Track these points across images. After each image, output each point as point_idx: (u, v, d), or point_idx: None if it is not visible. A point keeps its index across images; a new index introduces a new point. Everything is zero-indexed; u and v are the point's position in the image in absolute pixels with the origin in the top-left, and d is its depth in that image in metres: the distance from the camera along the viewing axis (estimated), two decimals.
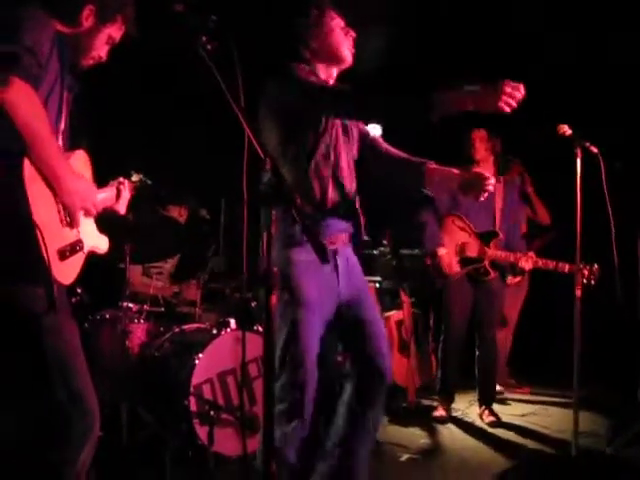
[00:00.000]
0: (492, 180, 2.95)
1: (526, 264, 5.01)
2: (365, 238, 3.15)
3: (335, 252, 2.98)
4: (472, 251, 5.11)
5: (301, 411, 2.85)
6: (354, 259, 3.12)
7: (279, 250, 2.88)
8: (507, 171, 5.65)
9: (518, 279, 5.90)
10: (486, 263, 5.05)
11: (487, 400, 5.17)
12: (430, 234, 5.14)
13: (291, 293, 2.86)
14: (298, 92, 2.83)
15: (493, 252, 5.05)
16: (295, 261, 2.87)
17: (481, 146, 5.15)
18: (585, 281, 4.54)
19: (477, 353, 5.24)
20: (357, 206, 3.05)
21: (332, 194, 2.92)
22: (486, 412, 5.11)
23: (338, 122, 2.97)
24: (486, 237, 5.10)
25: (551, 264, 4.96)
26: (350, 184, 3.01)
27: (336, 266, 2.98)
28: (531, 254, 5.07)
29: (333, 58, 3.00)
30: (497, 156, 5.19)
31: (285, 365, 2.85)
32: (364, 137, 3.17)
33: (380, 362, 3.02)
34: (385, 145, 3.19)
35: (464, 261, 5.12)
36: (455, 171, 3.04)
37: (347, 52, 3.01)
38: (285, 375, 2.85)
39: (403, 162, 3.15)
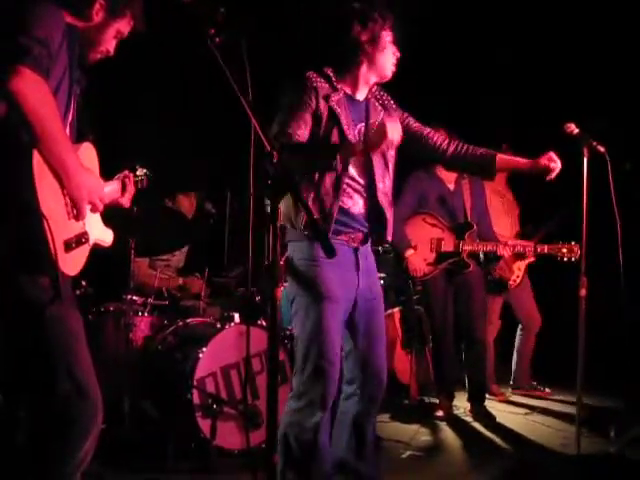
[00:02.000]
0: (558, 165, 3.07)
1: (504, 251, 5.06)
2: (389, 238, 3.18)
3: (356, 250, 3.02)
4: (448, 246, 5.11)
5: (324, 404, 2.88)
6: (373, 261, 3.16)
7: (301, 246, 2.91)
8: None
9: (519, 280, 5.85)
10: (464, 256, 5.06)
11: (475, 397, 5.18)
12: (399, 237, 5.12)
13: (314, 289, 2.89)
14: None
15: (469, 244, 5.06)
16: (318, 257, 2.88)
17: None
18: (566, 259, 4.58)
19: (464, 354, 5.24)
20: (383, 208, 3.09)
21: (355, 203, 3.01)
22: (475, 409, 5.13)
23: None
24: (460, 230, 5.10)
25: (529, 246, 4.99)
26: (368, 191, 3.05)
27: (357, 265, 3.01)
28: (509, 241, 5.11)
29: (379, 70, 3.04)
30: None
31: (308, 361, 2.87)
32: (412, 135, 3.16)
33: (382, 373, 3.09)
34: (440, 138, 3.22)
35: (441, 256, 5.11)
36: (521, 160, 3.18)
37: (391, 70, 3.07)
38: (308, 370, 2.87)
39: (471, 157, 3.19)
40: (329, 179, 2.91)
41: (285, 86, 2.98)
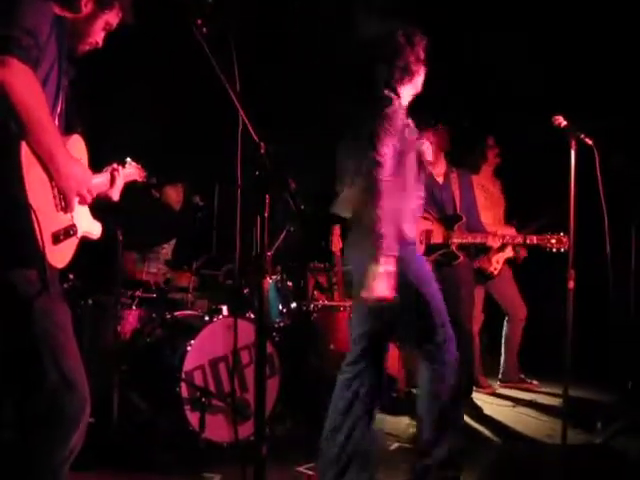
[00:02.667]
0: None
1: (494, 242, 5.08)
2: None
3: None
4: (437, 237, 5.11)
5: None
6: None
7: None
8: (484, 157, 5.78)
9: (496, 272, 5.86)
10: (453, 248, 5.07)
11: (463, 389, 5.20)
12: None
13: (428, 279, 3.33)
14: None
15: (459, 235, 5.07)
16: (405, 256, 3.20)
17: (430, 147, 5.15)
18: (555, 250, 4.62)
19: None
20: None
21: None
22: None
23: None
24: (449, 221, 5.11)
25: (519, 237, 5.02)
26: None
27: None
28: (499, 232, 5.14)
29: (417, 86, 3.41)
30: (446, 150, 5.21)
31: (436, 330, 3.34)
32: None
33: None
34: None
35: (430, 248, 5.12)
36: None
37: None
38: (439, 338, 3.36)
39: None
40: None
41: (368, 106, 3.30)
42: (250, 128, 1.94)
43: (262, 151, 1.90)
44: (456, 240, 5.07)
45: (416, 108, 3.60)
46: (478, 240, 5.10)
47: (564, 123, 3.84)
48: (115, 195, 2.75)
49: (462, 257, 5.11)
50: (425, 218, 5.15)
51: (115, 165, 2.78)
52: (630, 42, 5.99)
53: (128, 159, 2.97)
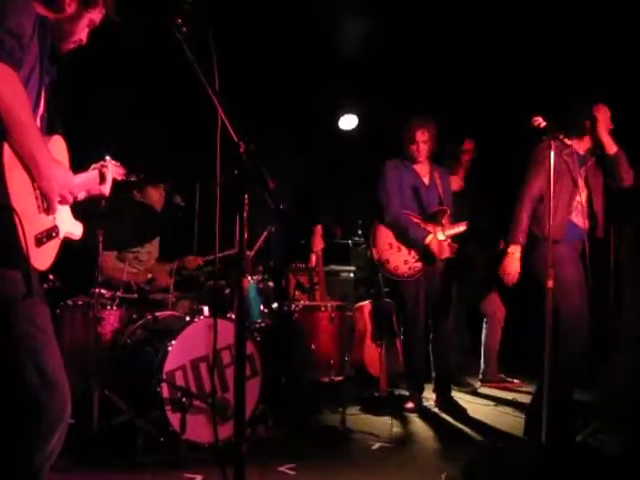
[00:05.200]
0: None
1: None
2: None
3: None
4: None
5: None
6: None
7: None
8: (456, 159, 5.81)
9: None
10: (449, 239, 5.14)
11: (441, 388, 5.23)
12: (410, 226, 5.11)
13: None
14: None
15: (449, 227, 5.12)
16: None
17: (424, 147, 5.17)
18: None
19: (431, 344, 5.27)
20: None
21: None
22: (441, 400, 5.20)
23: None
24: (436, 217, 5.14)
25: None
26: None
27: None
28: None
29: None
30: (433, 150, 5.26)
31: None
32: None
33: None
34: None
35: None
36: None
37: None
38: None
39: None
40: None
41: None
42: (229, 127, 1.94)
43: (241, 150, 1.89)
44: (448, 232, 5.11)
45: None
46: (462, 229, 5.14)
47: (543, 124, 3.87)
48: (107, 191, 2.77)
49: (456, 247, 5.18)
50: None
51: (103, 162, 2.79)
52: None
53: (107, 157, 2.96)
